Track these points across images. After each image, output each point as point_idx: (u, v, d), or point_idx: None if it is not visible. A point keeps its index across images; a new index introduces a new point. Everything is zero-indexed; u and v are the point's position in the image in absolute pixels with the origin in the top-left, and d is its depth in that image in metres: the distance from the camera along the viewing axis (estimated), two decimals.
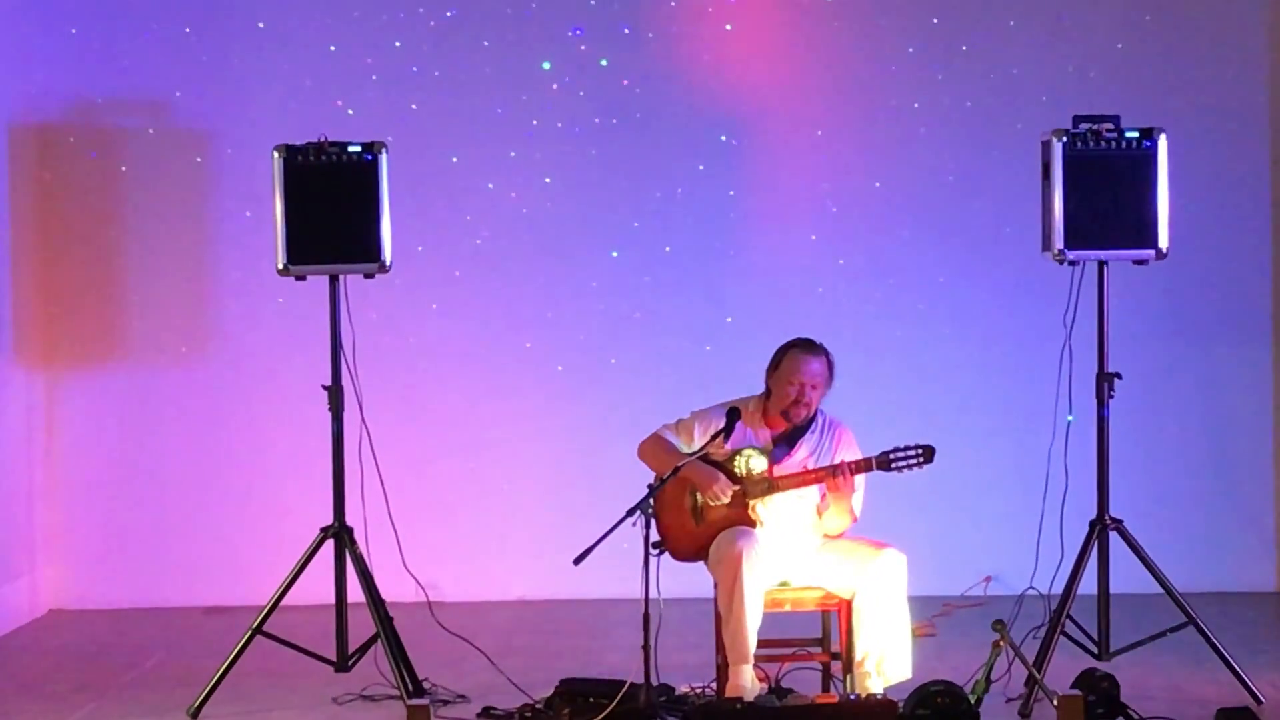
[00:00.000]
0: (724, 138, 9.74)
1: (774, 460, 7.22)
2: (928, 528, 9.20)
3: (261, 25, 9.70)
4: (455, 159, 9.77)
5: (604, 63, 9.71)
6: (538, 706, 7.26)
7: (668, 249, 9.78)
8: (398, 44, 9.72)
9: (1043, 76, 9.65)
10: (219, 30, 9.69)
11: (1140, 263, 7.41)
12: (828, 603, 7.23)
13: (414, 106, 9.72)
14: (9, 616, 9.30)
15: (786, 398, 7.21)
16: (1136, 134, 7.28)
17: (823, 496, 7.27)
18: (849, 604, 7.11)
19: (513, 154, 9.76)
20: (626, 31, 9.73)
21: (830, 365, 7.26)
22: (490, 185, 9.77)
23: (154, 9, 9.69)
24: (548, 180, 9.77)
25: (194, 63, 9.70)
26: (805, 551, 7.31)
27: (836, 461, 7.16)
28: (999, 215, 9.64)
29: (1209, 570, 9.47)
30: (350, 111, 9.57)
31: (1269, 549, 9.76)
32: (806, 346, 7.26)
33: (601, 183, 9.78)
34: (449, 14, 9.72)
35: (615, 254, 9.79)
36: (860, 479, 7.19)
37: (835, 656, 7.30)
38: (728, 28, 9.71)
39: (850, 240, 9.77)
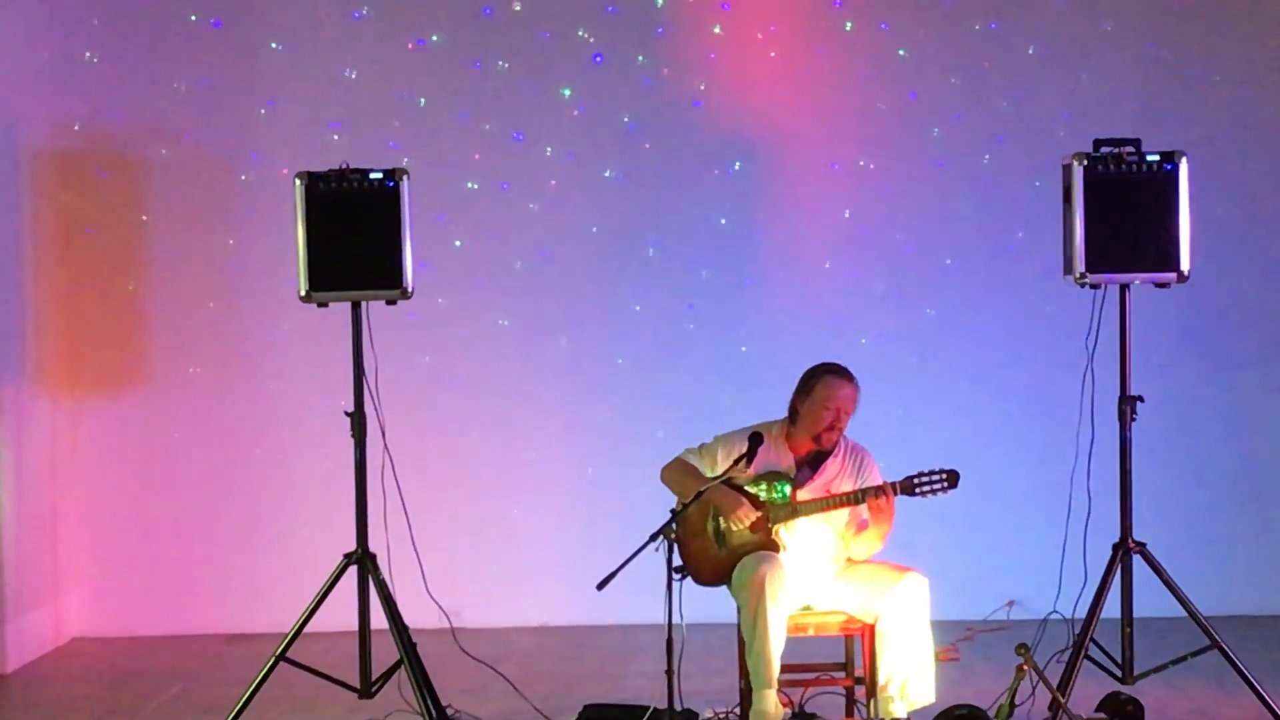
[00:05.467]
0: (741, 165, 9.76)
1: (797, 485, 7.23)
2: (950, 552, 9.19)
3: (281, 53, 9.74)
4: (476, 186, 9.79)
5: (648, 81, 9.75)
6: None
7: (691, 277, 9.79)
8: (417, 71, 9.75)
9: (1063, 100, 9.66)
10: (239, 57, 9.73)
11: (1162, 285, 7.40)
12: (851, 627, 7.23)
13: (435, 134, 9.75)
14: (33, 645, 9.32)
15: (821, 423, 7.22)
16: (1158, 157, 7.27)
17: (849, 522, 7.28)
18: (872, 628, 7.11)
19: (533, 181, 9.79)
20: (645, 60, 9.75)
21: (858, 390, 7.27)
22: (511, 212, 9.79)
23: (173, 37, 9.74)
24: (571, 205, 9.79)
25: (215, 90, 9.74)
26: (828, 576, 7.31)
27: (861, 486, 7.17)
28: (1020, 239, 9.65)
29: (1233, 594, 9.45)
30: (371, 138, 9.59)
31: None
32: (839, 372, 7.27)
33: (622, 210, 9.80)
34: (469, 42, 9.75)
35: (644, 278, 9.81)
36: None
37: (859, 681, 7.29)
38: (743, 58, 9.74)
39: (871, 265, 9.78)
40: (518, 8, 9.76)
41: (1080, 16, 9.71)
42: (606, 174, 9.80)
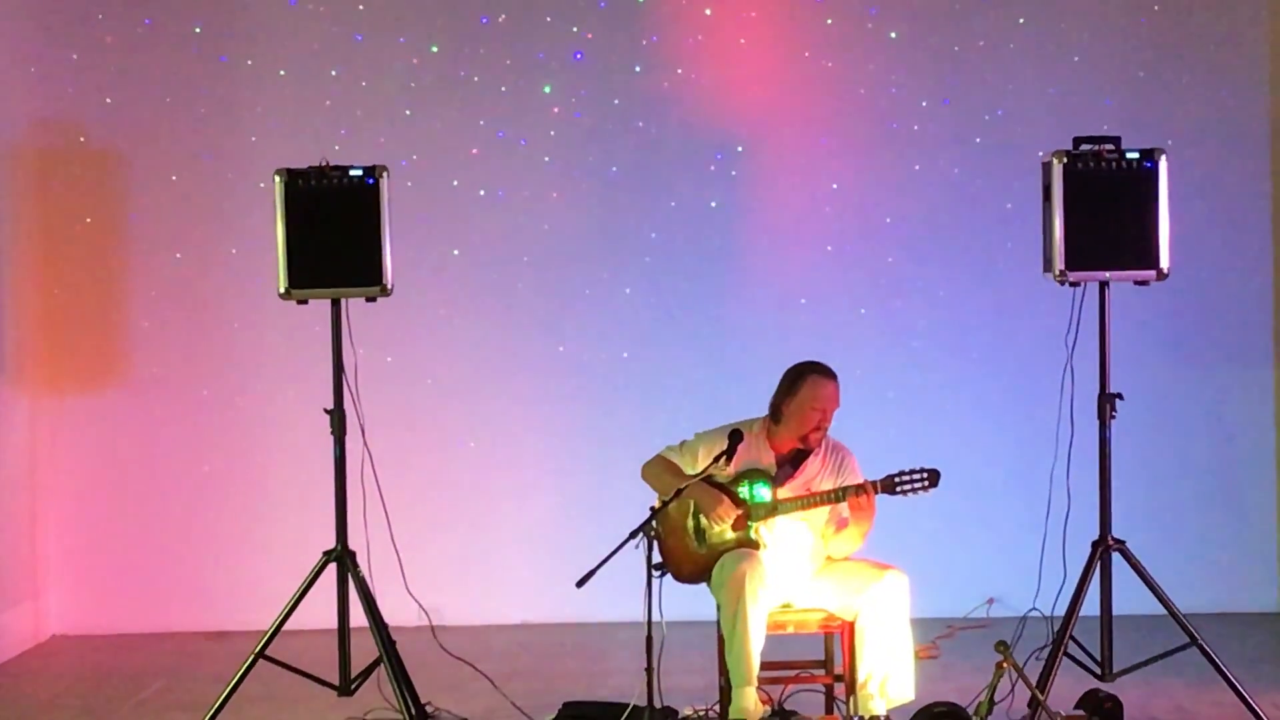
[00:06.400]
0: (727, 160, 9.75)
1: (778, 483, 7.22)
2: (930, 549, 9.19)
3: (263, 51, 9.73)
4: (456, 182, 9.79)
5: (630, 76, 9.75)
6: None
7: (671, 273, 9.79)
8: (398, 69, 9.74)
9: (1044, 98, 9.66)
10: (220, 55, 9.71)
11: (1142, 283, 7.40)
12: (830, 624, 7.23)
13: (415, 131, 9.73)
14: (12, 642, 9.30)
15: (808, 423, 7.20)
16: (1137, 155, 7.28)
17: (829, 520, 7.27)
18: (852, 626, 7.11)
19: (514, 177, 9.78)
20: (628, 56, 9.74)
21: (839, 387, 7.27)
22: (492, 209, 9.78)
23: (155, 35, 9.71)
24: (550, 203, 9.78)
25: (196, 87, 9.72)
26: (808, 574, 7.31)
27: (842, 484, 7.17)
28: (1000, 236, 9.65)
29: (1212, 591, 9.48)
30: (352, 136, 9.58)
31: (1271, 569, 9.75)
32: (823, 370, 7.25)
33: (604, 207, 9.79)
34: (449, 38, 9.74)
35: (622, 276, 9.80)
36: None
37: (838, 678, 7.30)
38: (729, 48, 9.73)
39: (851, 262, 9.77)
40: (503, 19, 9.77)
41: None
42: (594, 170, 9.78)
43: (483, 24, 9.75)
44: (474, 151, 9.77)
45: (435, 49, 9.75)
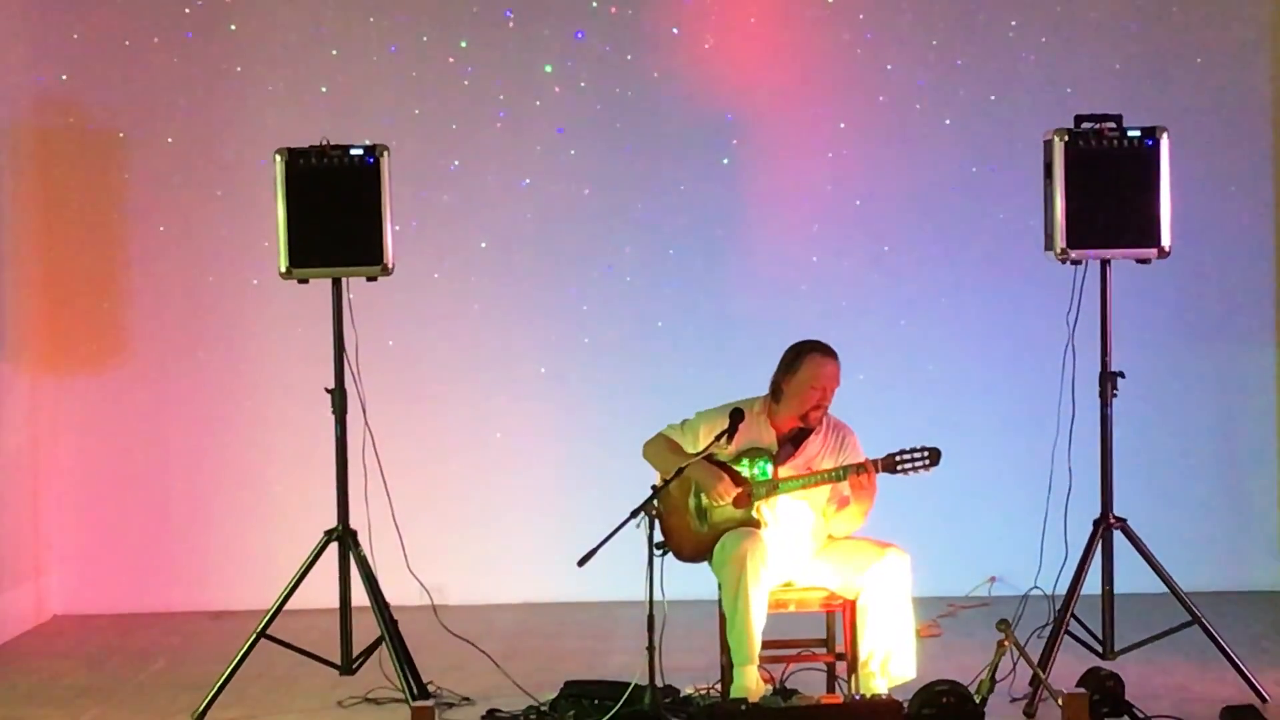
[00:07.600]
0: (731, 141, 9.73)
1: (779, 461, 7.21)
2: (932, 528, 9.19)
3: (263, 29, 9.71)
4: (457, 162, 9.77)
5: (629, 57, 9.73)
6: (543, 709, 7.26)
7: (671, 252, 9.78)
8: (399, 48, 9.72)
9: (1045, 76, 9.65)
10: (221, 34, 9.69)
11: (1143, 261, 7.41)
12: (832, 603, 7.22)
13: (416, 110, 9.72)
14: (14, 622, 9.30)
15: (808, 402, 7.19)
16: (1139, 133, 7.28)
17: (830, 498, 7.27)
18: (853, 604, 7.11)
19: (515, 157, 9.76)
20: (630, 36, 9.72)
21: (840, 366, 7.26)
22: (493, 188, 9.76)
23: (156, 15, 9.70)
24: (552, 183, 9.77)
25: (196, 66, 9.71)
26: (809, 552, 7.31)
27: (842, 464, 7.16)
28: (1002, 215, 9.64)
29: (1213, 569, 9.47)
30: (352, 115, 9.56)
31: (1273, 548, 9.75)
32: (823, 349, 7.24)
33: (605, 186, 9.77)
34: (451, 18, 9.72)
35: (623, 254, 9.79)
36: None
37: (840, 657, 7.29)
38: (732, 31, 9.72)
39: (853, 240, 9.76)
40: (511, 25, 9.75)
41: None
42: (595, 153, 9.76)
43: (505, 16, 9.72)
44: (471, 133, 9.76)
45: (464, 44, 9.74)
